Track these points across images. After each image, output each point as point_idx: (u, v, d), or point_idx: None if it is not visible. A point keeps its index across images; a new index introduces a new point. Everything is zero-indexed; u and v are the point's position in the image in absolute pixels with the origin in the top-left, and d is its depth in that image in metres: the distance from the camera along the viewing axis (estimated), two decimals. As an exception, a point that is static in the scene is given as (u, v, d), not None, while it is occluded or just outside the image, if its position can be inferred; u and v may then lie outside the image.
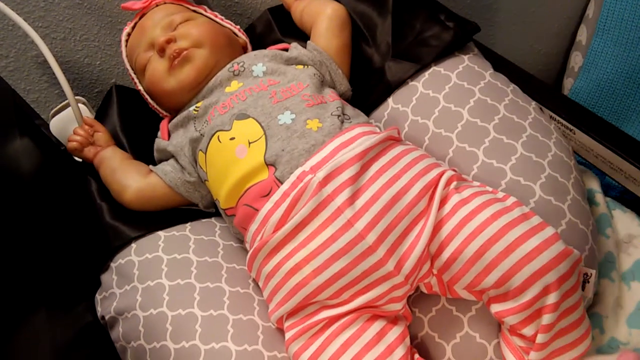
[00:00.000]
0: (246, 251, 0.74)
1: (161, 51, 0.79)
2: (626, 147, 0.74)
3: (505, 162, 0.72)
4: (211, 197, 0.79)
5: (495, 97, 0.77)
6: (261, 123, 0.71)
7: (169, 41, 0.78)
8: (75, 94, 0.91)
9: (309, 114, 0.71)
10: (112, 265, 0.76)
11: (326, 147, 0.67)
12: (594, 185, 0.78)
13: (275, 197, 0.66)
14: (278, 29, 0.95)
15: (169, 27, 0.81)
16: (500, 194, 0.66)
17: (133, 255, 0.75)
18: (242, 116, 0.72)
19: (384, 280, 0.63)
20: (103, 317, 0.75)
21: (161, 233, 0.77)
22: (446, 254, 0.62)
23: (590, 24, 1.21)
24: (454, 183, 0.66)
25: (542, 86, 0.84)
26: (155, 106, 0.87)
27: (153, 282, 0.71)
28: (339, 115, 0.72)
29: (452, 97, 0.77)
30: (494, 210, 0.62)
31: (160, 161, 0.83)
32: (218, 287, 0.71)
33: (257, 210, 0.68)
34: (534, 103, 0.78)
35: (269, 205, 0.66)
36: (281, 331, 0.68)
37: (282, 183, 0.66)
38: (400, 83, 0.82)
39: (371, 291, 0.63)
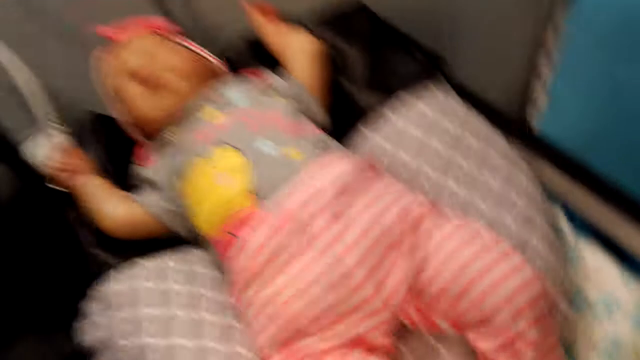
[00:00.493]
0: (226, 280, 0.75)
1: (139, 78, 0.80)
2: (590, 182, 0.77)
3: (478, 194, 0.75)
4: (192, 225, 0.79)
5: (468, 130, 0.80)
6: (241, 151, 0.72)
7: (147, 69, 0.80)
8: (50, 120, 0.91)
9: (288, 143, 0.73)
10: (92, 293, 0.76)
11: (306, 175, 0.69)
12: (561, 216, 0.81)
13: (255, 224, 0.67)
14: (254, 57, 0.97)
15: (145, 55, 0.82)
16: (477, 226, 0.69)
17: (113, 283, 0.75)
18: (222, 144, 0.74)
19: (370, 314, 0.64)
20: (83, 346, 0.75)
21: (142, 261, 0.78)
22: (430, 289, 0.64)
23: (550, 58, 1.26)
24: (435, 218, 0.68)
25: (507, 120, 0.87)
26: (131, 132, 0.87)
27: (134, 310, 0.72)
28: (317, 145, 0.74)
29: (424, 128, 0.80)
30: (476, 247, 0.64)
31: (138, 188, 0.83)
32: (199, 316, 0.72)
33: (237, 237, 0.69)
34: (503, 137, 0.82)
35: (249, 231, 0.67)
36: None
37: (263, 210, 0.68)
38: (374, 112, 0.85)
39: (352, 320, 0.64)
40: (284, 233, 0.65)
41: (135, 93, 0.81)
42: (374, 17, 0.95)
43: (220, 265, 0.77)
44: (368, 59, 0.90)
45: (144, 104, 0.81)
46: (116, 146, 0.91)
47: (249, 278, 0.67)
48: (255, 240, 0.66)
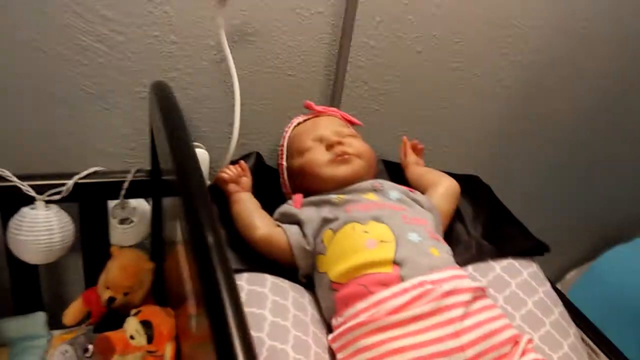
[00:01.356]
0: (323, 324, 0.86)
1: (330, 147, 0.99)
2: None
3: (555, 351, 0.88)
4: (312, 270, 0.91)
5: (552, 301, 0.96)
6: (393, 231, 0.87)
7: (339, 143, 0.99)
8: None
9: (430, 242, 0.88)
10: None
11: (445, 271, 0.84)
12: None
13: (395, 289, 0.80)
14: (389, 176, 1.17)
15: (338, 134, 1.02)
16: None
17: (244, 282, 0.85)
18: (378, 220, 0.89)
19: None
20: None
21: (267, 276, 0.89)
22: None
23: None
24: (531, 344, 0.82)
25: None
26: (287, 182, 1.03)
27: (258, 310, 0.81)
28: (450, 254, 0.90)
29: (521, 286, 0.96)
30: None
31: (281, 222, 0.96)
32: (307, 341, 0.81)
33: (371, 292, 0.81)
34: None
35: (386, 293, 0.79)
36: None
37: (403, 281, 0.80)
38: (481, 259, 1.01)
39: None
40: (424, 308, 0.77)
41: (321, 157, 0.99)
42: (490, 189, 1.16)
43: (327, 310, 0.87)
44: (484, 218, 1.09)
45: (326, 168, 0.98)
46: (262, 187, 1.06)
47: (375, 329, 0.77)
48: (393, 302, 0.78)
